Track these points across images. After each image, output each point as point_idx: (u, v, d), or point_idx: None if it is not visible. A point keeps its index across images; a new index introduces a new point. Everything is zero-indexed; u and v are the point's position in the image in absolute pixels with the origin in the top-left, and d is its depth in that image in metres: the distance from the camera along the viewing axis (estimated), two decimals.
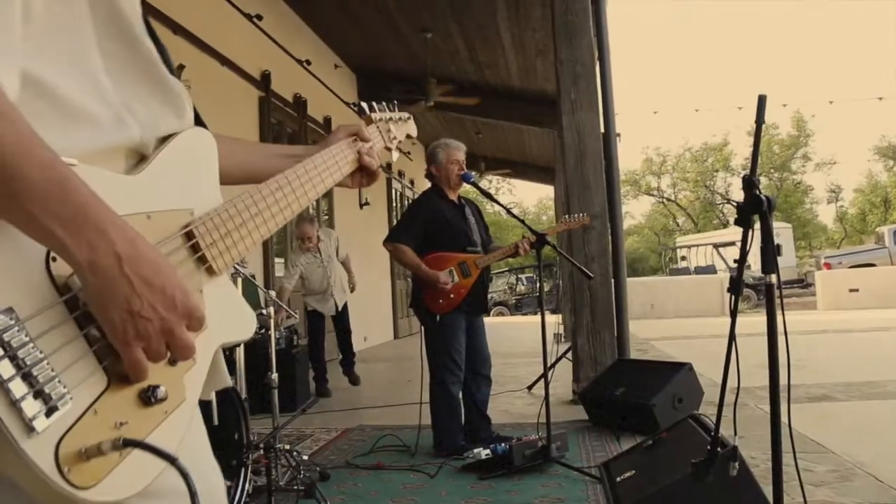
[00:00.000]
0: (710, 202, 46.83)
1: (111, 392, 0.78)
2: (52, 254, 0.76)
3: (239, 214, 1.04)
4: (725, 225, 39.76)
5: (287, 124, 9.44)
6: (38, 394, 0.70)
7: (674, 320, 18.09)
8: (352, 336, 7.78)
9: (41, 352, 0.71)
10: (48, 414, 0.71)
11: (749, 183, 1.83)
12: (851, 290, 18.36)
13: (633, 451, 3.21)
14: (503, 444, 4.09)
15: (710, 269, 23.61)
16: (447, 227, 4.60)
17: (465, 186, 4.82)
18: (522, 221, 4.55)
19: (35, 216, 0.72)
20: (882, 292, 17.78)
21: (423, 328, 4.65)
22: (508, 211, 4.67)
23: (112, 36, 0.91)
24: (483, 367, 4.78)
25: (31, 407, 0.69)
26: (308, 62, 9.74)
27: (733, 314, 1.93)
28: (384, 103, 1.53)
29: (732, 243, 23.96)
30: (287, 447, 3.89)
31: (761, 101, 1.88)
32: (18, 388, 0.69)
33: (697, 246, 27.18)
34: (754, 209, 1.80)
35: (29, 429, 0.69)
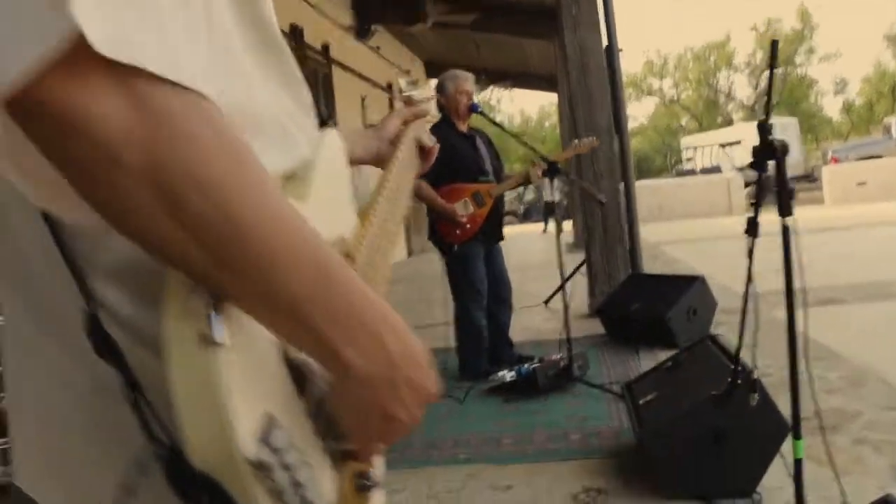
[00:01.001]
0: (713, 101, 46.31)
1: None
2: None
3: (375, 231, 0.93)
4: (730, 123, 39.45)
5: None
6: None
7: (682, 222, 18.18)
8: None
9: (300, 459, 0.62)
10: None
11: (763, 128, 1.90)
12: (859, 184, 18.32)
13: (654, 372, 3.36)
14: (527, 366, 4.26)
15: (716, 169, 23.57)
16: (459, 159, 4.66)
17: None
18: (534, 149, 4.61)
19: (298, 317, 0.61)
20: (890, 184, 17.74)
21: (442, 259, 4.77)
22: (518, 139, 4.71)
23: (258, 39, 0.77)
24: (503, 291, 4.92)
25: None
26: None
27: (750, 255, 2.03)
28: (416, 83, 1.58)
29: (738, 142, 23.89)
30: None
31: (774, 45, 1.93)
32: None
33: (703, 146, 27.06)
34: (768, 155, 1.88)
35: None
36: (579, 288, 6.82)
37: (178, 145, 0.53)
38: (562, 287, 4.50)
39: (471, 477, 3.11)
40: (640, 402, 3.01)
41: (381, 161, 1.26)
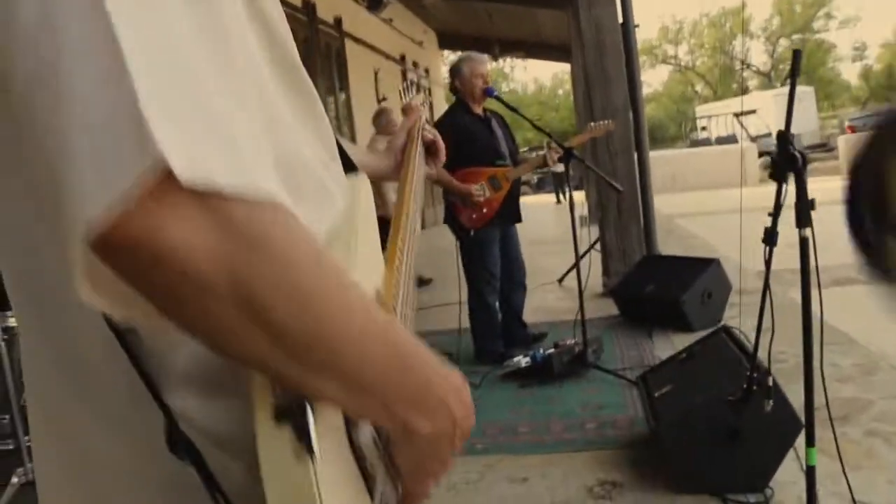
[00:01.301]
0: (729, 68, 45.79)
1: None
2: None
3: (403, 275, 0.94)
4: (745, 91, 39.01)
5: (298, 33, 9.30)
6: None
7: (695, 193, 18.07)
8: None
9: None
10: None
11: (784, 138, 1.90)
12: None
13: (668, 363, 3.39)
14: (542, 351, 4.30)
15: (731, 139, 23.38)
16: (475, 142, 4.67)
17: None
18: (549, 135, 4.59)
19: (373, 397, 0.62)
20: None
21: (458, 242, 4.79)
22: (534, 125, 4.70)
23: (290, 85, 0.74)
24: (517, 273, 4.95)
25: None
26: None
27: (767, 265, 2.04)
28: (415, 86, 1.62)
29: (753, 111, 23.64)
30: None
31: (796, 55, 1.92)
32: None
33: (718, 116, 26.82)
34: (789, 166, 1.88)
35: None
36: (593, 264, 6.82)
37: (261, 261, 0.53)
38: (576, 266, 4.52)
39: (488, 468, 3.16)
40: (655, 394, 3.04)
41: (396, 172, 1.35)
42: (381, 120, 7.61)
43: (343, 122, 11.01)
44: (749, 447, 2.62)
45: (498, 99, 4.70)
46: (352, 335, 0.59)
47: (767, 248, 2.03)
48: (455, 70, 4.80)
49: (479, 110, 4.78)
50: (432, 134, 1.44)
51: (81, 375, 0.69)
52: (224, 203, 0.51)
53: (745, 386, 2.38)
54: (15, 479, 2.77)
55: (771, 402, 2.28)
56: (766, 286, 2.13)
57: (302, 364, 0.57)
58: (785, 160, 1.86)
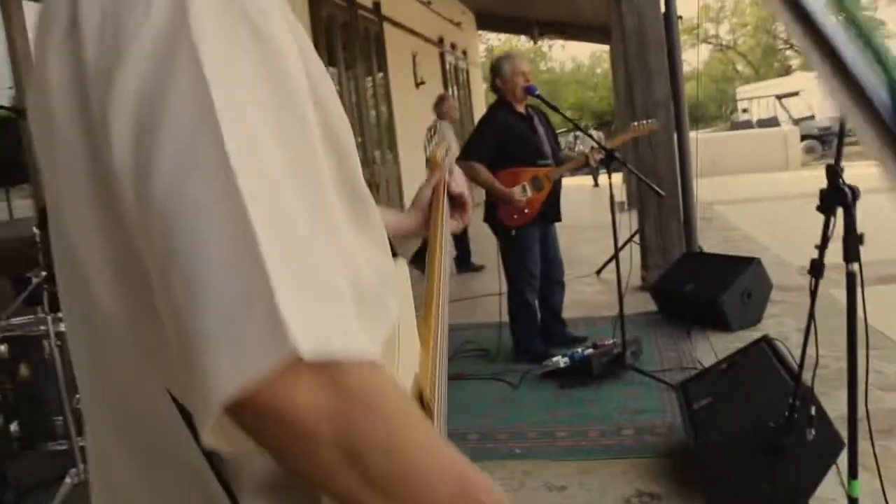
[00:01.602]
0: (771, 48, 44.88)
1: None
2: None
3: (438, 350, 0.98)
4: (788, 70, 38.25)
5: (337, 18, 9.31)
6: None
7: (736, 177, 17.82)
8: None
9: None
10: None
11: (833, 172, 1.90)
12: None
13: (708, 373, 3.39)
14: (580, 351, 4.31)
15: (773, 122, 22.99)
16: (517, 142, 4.67)
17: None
18: (590, 136, 4.60)
19: None
20: None
21: (498, 242, 4.82)
22: (575, 124, 4.70)
23: (350, 199, 0.77)
24: (556, 272, 4.96)
25: None
26: None
27: (813, 296, 2.05)
28: (431, 136, 1.63)
29: (796, 93, 23.21)
30: None
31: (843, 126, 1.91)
32: None
33: (759, 98, 26.36)
34: (838, 201, 1.88)
35: None
36: (633, 257, 6.78)
37: (362, 416, 0.59)
38: (615, 258, 4.53)
39: (527, 475, 3.21)
40: (695, 406, 3.05)
41: (424, 228, 1.38)
42: (442, 107, 7.99)
43: (381, 101, 11.06)
44: (790, 465, 2.63)
45: (539, 97, 4.70)
46: (433, 478, 0.64)
47: (813, 280, 2.03)
48: (496, 69, 4.80)
49: (521, 109, 4.78)
50: (458, 187, 1.45)
51: (154, 474, 0.74)
52: (337, 369, 0.58)
53: (787, 414, 2.39)
54: (68, 480, 2.86)
55: (813, 430, 2.29)
56: (811, 317, 2.13)
57: (384, 499, 0.62)
58: (834, 195, 1.86)
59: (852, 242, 1.90)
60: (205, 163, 0.58)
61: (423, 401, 0.89)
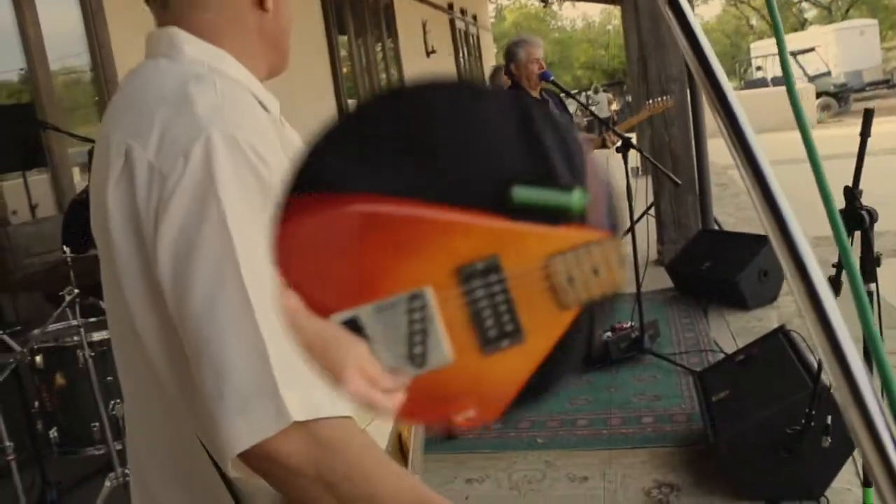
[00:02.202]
0: (786, 0, 44.07)
1: None
2: None
3: None
4: (803, 25, 37.65)
5: None
6: None
7: None
8: None
9: None
10: None
11: (851, 195, 1.93)
12: None
13: (726, 363, 3.45)
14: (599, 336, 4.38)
15: None
16: None
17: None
18: (605, 123, 4.60)
19: None
20: None
21: None
22: (590, 111, 4.70)
23: None
24: None
25: None
26: None
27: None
28: None
29: (811, 49, 22.89)
30: None
31: (868, 115, 1.92)
32: None
33: (774, 55, 25.94)
34: (856, 225, 1.91)
35: None
36: (649, 231, 6.78)
37: (332, 458, 0.86)
38: (630, 230, 4.57)
39: (549, 465, 3.29)
40: (713, 398, 3.12)
41: None
42: (497, 80, 8.17)
43: (392, 64, 11.03)
44: (806, 458, 2.70)
45: (554, 83, 4.70)
46: (392, 498, 0.89)
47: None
48: (511, 54, 4.80)
49: (535, 94, 4.79)
50: None
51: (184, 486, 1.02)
52: (315, 426, 0.84)
53: (803, 421, 2.45)
54: (108, 483, 2.97)
55: (829, 438, 2.35)
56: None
57: None
58: (852, 216, 1.89)
59: (869, 264, 1.94)
60: (229, 288, 0.83)
61: (401, 439, 1.14)
